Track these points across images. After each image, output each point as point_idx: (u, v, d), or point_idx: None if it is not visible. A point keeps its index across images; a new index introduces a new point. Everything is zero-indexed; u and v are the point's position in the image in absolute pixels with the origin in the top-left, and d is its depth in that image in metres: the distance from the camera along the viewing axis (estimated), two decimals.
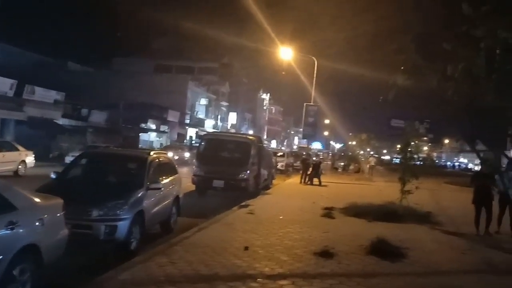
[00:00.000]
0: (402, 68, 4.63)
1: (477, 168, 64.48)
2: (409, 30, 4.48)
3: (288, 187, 20.73)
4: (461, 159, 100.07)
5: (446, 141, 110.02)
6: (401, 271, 6.65)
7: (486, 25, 3.98)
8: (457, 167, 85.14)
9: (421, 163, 15.12)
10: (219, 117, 60.48)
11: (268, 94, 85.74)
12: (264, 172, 17.58)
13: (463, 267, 7.18)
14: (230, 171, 15.10)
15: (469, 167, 79.83)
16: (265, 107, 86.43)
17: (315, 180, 22.18)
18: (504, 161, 4.88)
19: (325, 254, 7.04)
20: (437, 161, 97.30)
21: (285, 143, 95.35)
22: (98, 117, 36.47)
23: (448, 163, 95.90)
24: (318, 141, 60.57)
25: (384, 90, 4.94)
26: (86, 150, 16.48)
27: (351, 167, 41.06)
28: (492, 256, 8.03)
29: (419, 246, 8.23)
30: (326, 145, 76.06)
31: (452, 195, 21.45)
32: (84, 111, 36.23)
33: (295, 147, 79.15)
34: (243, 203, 12.45)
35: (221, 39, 51.70)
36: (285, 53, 29.66)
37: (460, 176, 43.04)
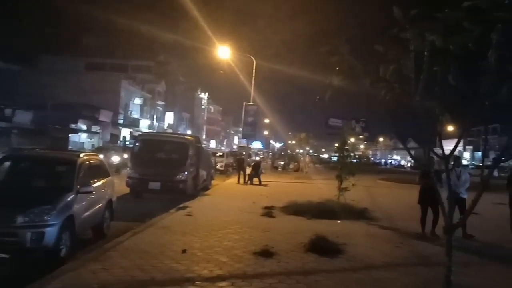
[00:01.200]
0: (337, 69, 4.70)
1: (409, 164, 67.67)
2: (343, 33, 4.58)
3: (228, 188, 20.67)
4: (395, 157, 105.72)
5: (381, 139, 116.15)
6: (339, 267, 6.79)
7: (415, 28, 4.15)
8: (390, 164, 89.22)
9: (357, 161, 15.66)
10: (155, 116, 59.16)
11: (207, 94, 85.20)
12: (203, 172, 17.37)
13: (396, 260, 7.46)
14: (167, 173, 14.74)
15: (402, 163, 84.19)
16: (203, 107, 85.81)
17: (255, 180, 22.32)
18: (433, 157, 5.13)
19: (265, 253, 7.05)
20: (372, 158, 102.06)
21: (224, 143, 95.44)
22: (24, 117, 34.24)
23: (383, 160, 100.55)
24: (258, 141, 61.10)
25: (321, 90, 5.00)
26: (10, 153, 15.37)
27: (291, 166, 42.05)
28: (423, 249, 8.43)
29: (355, 242, 8.48)
30: (266, 145, 76.97)
31: (387, 191, 22.49)
32: (8, 111, 33.85)
33: (235, 147, 79.45)
34: (181, 205, 12.21)
35: (156, 37, 50.70)
36: (223, 52, 29.35)
37: (394, 173, 45.30)
